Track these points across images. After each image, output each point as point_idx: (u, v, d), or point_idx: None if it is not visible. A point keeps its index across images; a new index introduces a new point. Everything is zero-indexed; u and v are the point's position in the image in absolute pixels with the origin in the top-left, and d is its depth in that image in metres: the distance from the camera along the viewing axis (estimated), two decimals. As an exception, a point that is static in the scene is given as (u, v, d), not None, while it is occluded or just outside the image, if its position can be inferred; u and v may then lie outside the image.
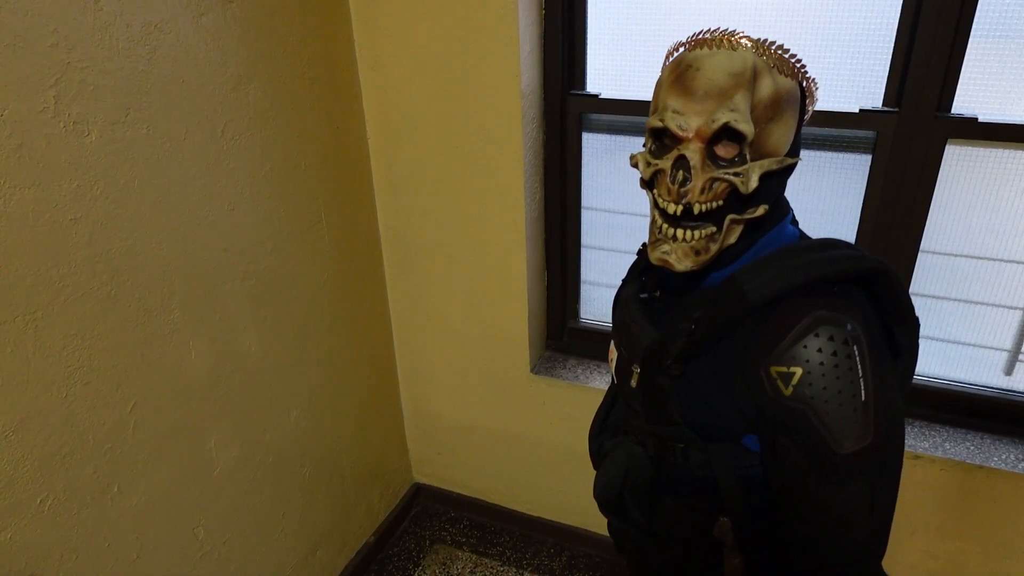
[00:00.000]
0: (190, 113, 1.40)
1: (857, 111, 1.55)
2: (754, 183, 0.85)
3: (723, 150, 0.86)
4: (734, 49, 0.85)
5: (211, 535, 1.63)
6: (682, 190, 0.85)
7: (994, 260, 1.63)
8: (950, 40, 1.43)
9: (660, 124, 0.88)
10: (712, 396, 0.91)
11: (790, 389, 0.82)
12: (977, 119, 1.48)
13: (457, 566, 2.28)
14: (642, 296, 1.05)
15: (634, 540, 1.16)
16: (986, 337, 1.71)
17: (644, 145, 0.94)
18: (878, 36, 1.50)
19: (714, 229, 0.88)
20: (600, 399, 1.72)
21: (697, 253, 0.89)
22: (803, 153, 1.66)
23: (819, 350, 0.81)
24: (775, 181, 0.90)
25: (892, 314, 0.91)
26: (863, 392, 0.81)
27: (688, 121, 0.85)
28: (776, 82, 0.85)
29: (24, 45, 1.09)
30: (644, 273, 1.09)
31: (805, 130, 1.63)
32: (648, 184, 0.92)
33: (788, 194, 0.99)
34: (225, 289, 1.56)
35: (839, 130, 1.60)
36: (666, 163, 0.87)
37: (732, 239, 0.90)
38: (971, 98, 1.49)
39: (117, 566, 1.40)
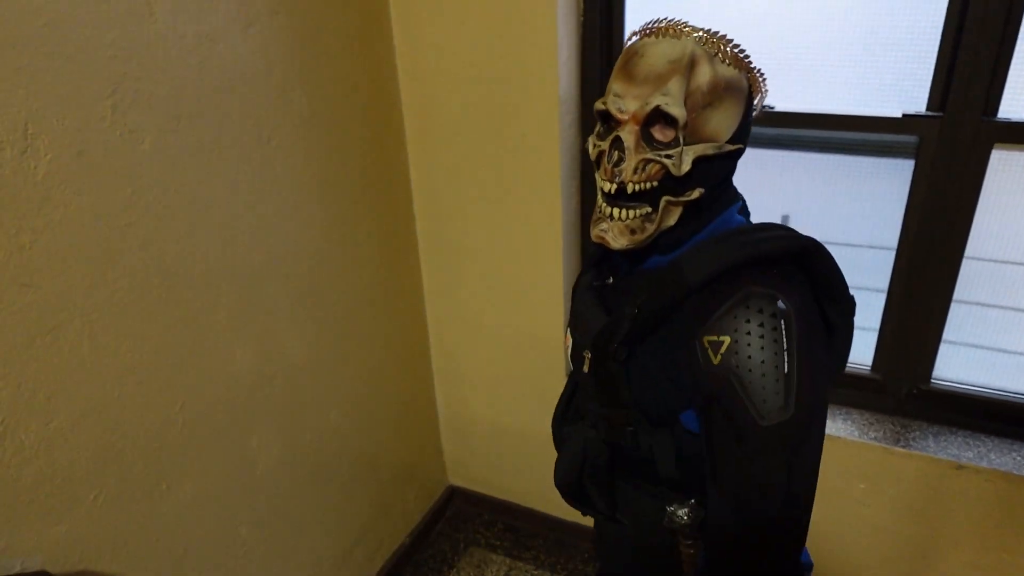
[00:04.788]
0: (238, 121, 1.44)
1: (900, 116, 1.54)
2: (686, 166, 0.88)
3: (660, 133, 0.89)
4: (677, 38, 0.89)
5: (253, 532, 1.67)
6: (616, 169, 0.89)
7: (1042, 267, 1.59)
8: (997, 42, 1.41)
9: (603, 107, 0.92)
10: (659, 378, 0.93)
11: (718, 357, 0.84)
12: (1025, 123, 1.46)
13: (491, 569, 2.30)
14: (595, 284, 1.08)
15: (600, 528, 1.18)
16: (1033, 345, 1.68)
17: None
18: (922, 39, 1.49)
19: (649, 209, 0.91)
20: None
21: (632, 232, 0.92)
22: (843, 159, 1.65)
23: (747, 320, 0.83)
24: (715, 166, 0.92)
25: (825, 293, 0.93)
26: (786, 365, 0.82)
27: (626, 104, 0.89)
28: (716, 70, 0.88)
29: (84, 57, 1.14)
30: (601, 261, 1.11)
31: (845, 135, 1.62)
32: (596, 164, 0.96)
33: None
34: (268, 292, 1.60)
35: (881, 135, 1.58)
36: (606, 144, 0.91)
37: (670, 221, 0.92)
38: (1019, 101, 1.47)
39: (165, 562, 1.44)
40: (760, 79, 0.94)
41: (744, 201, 1.02)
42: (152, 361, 1.34)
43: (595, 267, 1.11)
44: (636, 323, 0.91)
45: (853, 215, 1.69)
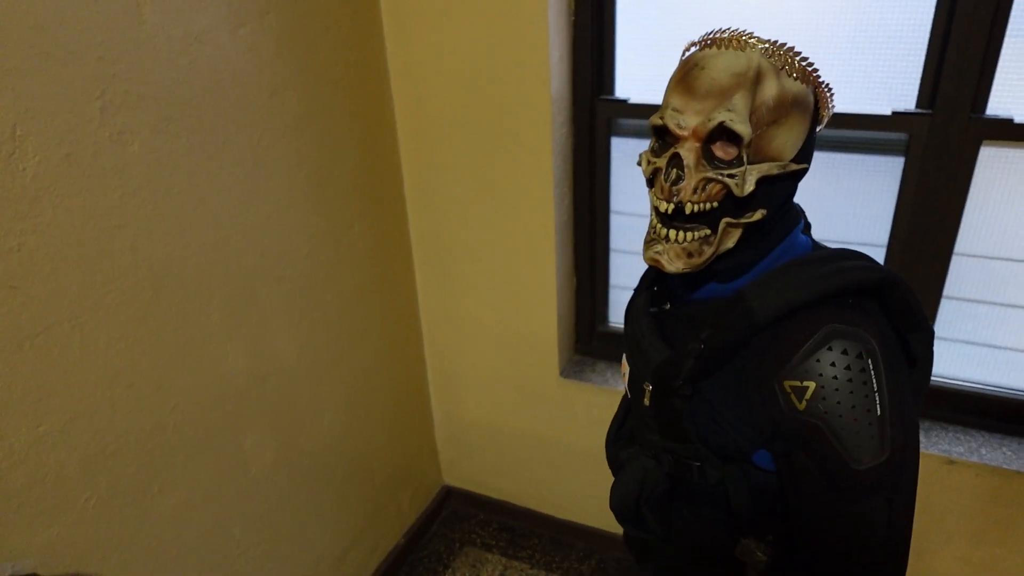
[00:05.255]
0: (228, 121, 1.44)
1: (889, 113, 1.54)
2: (750, 187, 0.83)
3: (722, 151, 0.84)
4: (742, 49, 0.84)
5: (247, 535, 1.67)
6: (674, 188, 0.84)
7: (1031, 263, 1.60)
8: (984, 40, 1.42)
9: (660, 122, 0.87)
10: (727, 413, 0.89)
11: (803, 403, 0.81)
12: (1013, 120, 1.46)
13: (487, 568, 2.30)
14: (651, 310, 1.03)
15: (659, 551, 1.14)
16: (1023, 340, 1.69)
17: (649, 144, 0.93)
18: (911, 37, 1.49)
19: (708, 232, 0.86)
20: (630, 403, 1.72)
21: (689, 255, 0.87)
22: (832, 156, 1.65)
23: (832, 364, 0.80)
24: (778, 186, 0.87)
25: (905, 323, 0.89)
26: (878, 407, 0.79)
27: (686, 120, 0.83)
28: (783, 84, 0.83)
29: (72, 59, 1.13)
30: (655, 283, 1.06)
31: (835, 132, 1.62)
32: (649, 182, 0.91)
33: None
34: (261, 293, 1.59)
35: (871, 132, 1.59)
36: (663, 161, 0.86)
37: (729, 243, 0.88)
38: (1006, 99, 1.48)
39: (157, 564, 1.44)
40: (828, 94, 0.89)
41: (805, 217, 0.98)
42: (143, 363, 1.34)
43: (648, 289, 1.06)
44: (700, 359, 0.87)
45: (843, 212, 1.69)
